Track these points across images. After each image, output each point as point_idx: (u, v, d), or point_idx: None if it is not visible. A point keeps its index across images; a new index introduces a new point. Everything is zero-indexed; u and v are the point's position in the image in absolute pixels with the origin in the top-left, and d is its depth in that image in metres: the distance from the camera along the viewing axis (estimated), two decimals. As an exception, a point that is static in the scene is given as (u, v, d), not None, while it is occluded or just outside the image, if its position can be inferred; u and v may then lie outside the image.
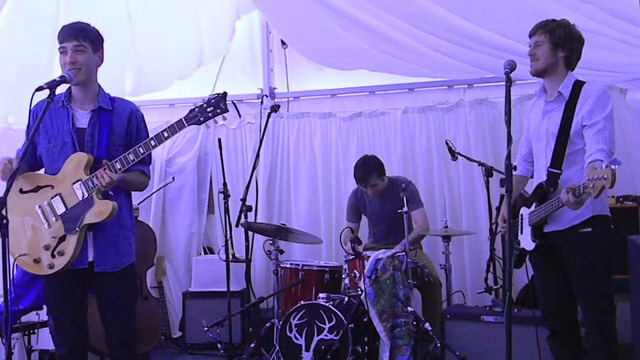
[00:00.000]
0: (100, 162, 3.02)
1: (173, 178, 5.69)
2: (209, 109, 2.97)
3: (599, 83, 3.31)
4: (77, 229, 2.98)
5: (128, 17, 5.27)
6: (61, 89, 3.03)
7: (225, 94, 2.99)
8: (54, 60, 5.28)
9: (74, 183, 3.01)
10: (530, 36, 3.19)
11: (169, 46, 5.46)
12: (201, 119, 2.96)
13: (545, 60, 3.12)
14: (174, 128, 2.95)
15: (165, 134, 2.96)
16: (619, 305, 3.76)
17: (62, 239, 3.00)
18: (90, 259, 3.05)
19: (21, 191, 3.05)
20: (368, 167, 4.77)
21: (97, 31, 3.16)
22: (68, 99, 3.10)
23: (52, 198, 3.03)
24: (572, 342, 3.21)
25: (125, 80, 5.55)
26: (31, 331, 4.55)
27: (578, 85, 3.10)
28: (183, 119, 2.96)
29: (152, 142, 2.97)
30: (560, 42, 3.10)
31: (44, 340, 4.83)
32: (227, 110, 3.00)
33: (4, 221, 2.52)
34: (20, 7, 5.12)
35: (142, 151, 2.97)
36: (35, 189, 3.05)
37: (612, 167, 2.58)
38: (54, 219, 3.02)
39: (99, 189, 2.98)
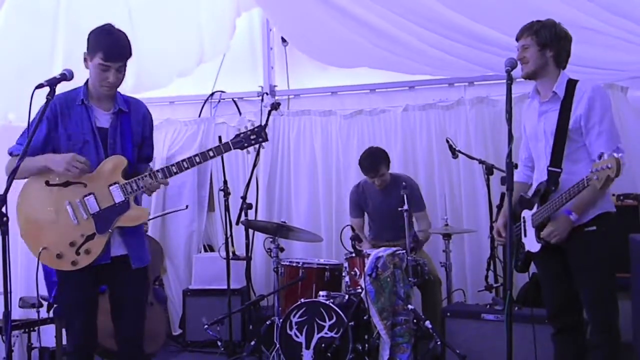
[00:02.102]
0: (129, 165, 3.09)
1: (187, 206, 5.61)
2: (252, 137, 3.16)
3: (594, 80, 3.30)
4: (110, 230, 3.02)
5: (128, 14, 5.26)
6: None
7: (266, 125, 3.34)
8: (54, 57, 5.28)
9: (110, 185, 3.04)
10: (517, 40, 3.18)
11: (169, 44, 5.45)
12: (245, 144, 3.16)
13: (535, 62, 3.11)
14: (220, 149, 3.12)
15: (211, 153, 3.11)
16: (620, 303, 3.77)
17: (90, 237, 3.01)
18: (115, 254, 3.08)
19: (48, 183, 3.01)
20: (377, 157, 4.82)
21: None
22: (87, 97, 3.10)
23: (86, 197, 3.03)
24: (576, 340, 3.20)
25: (125, 77, 5.54)
26: (31, 329, 4.54)
27: (572, 83, 3.09)
28: (230, 142, 3.14)
29: (197, 159, 3.10)
30: (547, 42, 3.08)
31: (45, 337, 4.83)
32: (267, 140, 3.23)
33: (4, 219, 2.52)
34: (21, 4, 5.11)
35: (185, 165, 3.09)
36: (65, 184, 3.02)
37: (616, 155, 2.57)
38: (85, 217, 3.02)
39: (136, 194, 3.07)
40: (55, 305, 4.47)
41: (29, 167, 2.98)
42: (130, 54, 3.07)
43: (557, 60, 3.12)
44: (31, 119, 2.77)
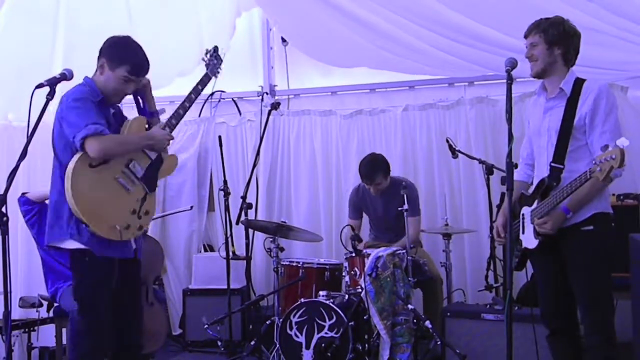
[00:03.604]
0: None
1: (191, 207, 5.63)
2: (215, 61, 3.75)
3: (600, 80, 3.30)
4: (157, 185, 3.27)
5: (128, 14, 5.26)
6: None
7: (215, 47, 3.83)
8: (53, 57, 5.28)
9: None
10: (525, 37, 3.17)
11: (169, 44, 5.45)
12: (216, 70, 3.75)
13: (544, 60, 3.10)
14: (204, 81, 3.63)
15: (200, 87, 3.57)
16: (619, 303, 3.76)
17: (144, 199, 3.18)
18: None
19: (91, 166, 3.02)
20: (375, 166, 4.76)
21: None
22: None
23: (129, 164, 3.14)
24: (571, 341, 3.20)
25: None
26: (31, 328, 4.55)
27: (579, 82, 3.09)
28: (208, 72, 3.71)
29: (192, 95, 3.47)
30: (555, 40, 3.08)
31: (44, 337, 4.84)
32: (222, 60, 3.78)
33: (4, 219, 2.53)
34: (21, 4, 5.11)
35: (187, 105, 3.43)
36: (106, 160, 3.06)
37: (620, 146, 2.56)
38: (134, 183, 3.15)
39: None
40: (55, 305, 4.47)
41: (126, 150, 3.13)
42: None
43: (565, 58, 3.11)
44: (31, 118, 2.76)
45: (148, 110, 3.35)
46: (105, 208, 3.03)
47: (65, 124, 3.01)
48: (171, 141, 3.33)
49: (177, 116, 3.36)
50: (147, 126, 3.30)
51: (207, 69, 3.72)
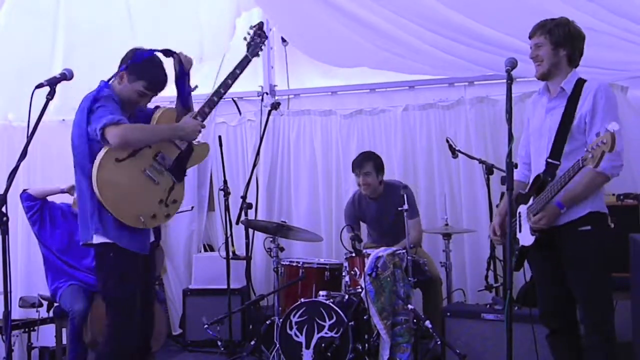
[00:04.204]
0: None
1: (192, 207, 5.62)
2: (257, 40, 3.59)
3: (600, 80, 3.30)
4: (185, 175, 3.26)
5: (128, 14, 5.26)
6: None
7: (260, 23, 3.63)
8: (54, 57, 5.28)
9: None
10: (530, 38, 3.17)
11: (169, 44, 5.43)
12: (257, 50, 3.58)
13: (549, 61, 3.10)
14: (243, 64, 3.50)
15: (238, 71, 3.46)
16: (619, 303, 3.76)
17: (172, 188, 3.20)
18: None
19: (117, 160, 3.02)
20: (367, 156, 4.84)
21: None
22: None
23: (156, 156, 3.15)
24: (571, 341, 3.20)
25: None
26: (31, 328, 4.55)
27: (580, 82, 3.09)
28: (247, 54, 3.54)
29: (229, 81, 3.39)
30: (561, 41, 3.08)
31: (44, 337, 4.84)
32: (266, 36, 3.60)
33: (4, 218, 2.53)
34: (21, 4, 5.12)
35: (222, 91, 3.36)
36: (133, 154, 3.07)
37: (611, 130, 2.56)
38: (162, 174, 3.17)
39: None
40: (55, 305, 4.48)
41: (148, 138, 3.11)
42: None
43: (570, 60, 3.12)
44: (31, 118, 2.76)
45: (188, 90, 3.34)
46: (131, 199, 3.06)
47: (88, 114, 3.02)
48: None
49: (211, 103, 3.30)
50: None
51: (247, 50, 3.54)
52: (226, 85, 3.36)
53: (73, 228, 4.48)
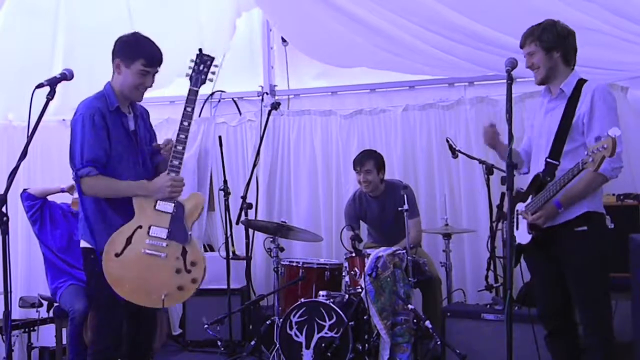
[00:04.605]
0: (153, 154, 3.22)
1: None
2: (202, 68, 3.28)
3: (598, 80, 3.30)
4: (189, 233, 3.11)
5: (128, 14, 5.26)
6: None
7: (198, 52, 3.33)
8: (54, 57, 5.28)
9: (155, 206, 3.09)
10: (521, 47, 3.16)
11: (169, 44, 5.40)
12: (203, 77, 3.27)
13: (545, 66, 3.11)
14: (190, 99, 3.19)
15: (189, 108, 3.17)
16: (619, 304, 3.76)
17: (184, 252, 3.08)
18: None
19: (117, 255, 3.03)
20: (368, 154, 4.86)
21: None
22: (118, 102, 3.16)
23: (149, 232, 3.07)
24: (569, 341, 3.20)
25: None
26: (31, 328, 4.56)
27: (580, 83, 3.10)
28: (191, 87, 3.22)
29: (185, 123, 3.14)
30: (552, 44, 3.08)
31: (44, 337, 4.84)
32: (213, 58, 3.29)
33: (4, 218, 2.53)
34: (21, 4, 5.12)
35: (183, 137, 3.12)
36: (128, 241, 3.05)
37: (612, 135, 2.57)
38: (164, 245, 3.07)
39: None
40: (55, 305, 4.48)
41: (115, 193, 3.07)
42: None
43: (565, 60, 3.12)
44: (31, 118, 2.76)
45: (160, 159, 3.31)
46: (146, 284, 3.05)
47: (72, 142, 3.07)
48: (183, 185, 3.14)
49: (177, 154, 3.12)
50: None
51: (190, 84, 3.27)
52: (184, 129, 3.14)
53: (73, 228, 4.49)
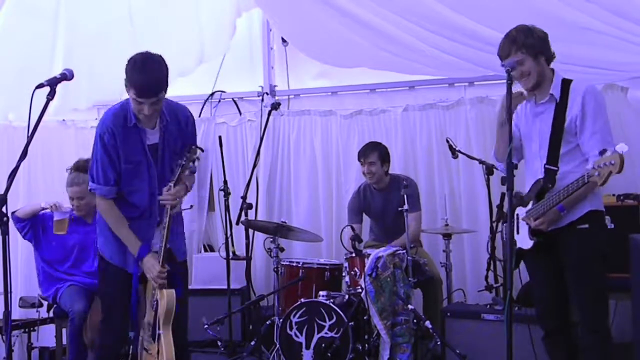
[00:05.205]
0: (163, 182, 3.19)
1: (191, 206, 5.59)
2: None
3: (590, 80, 3.30)
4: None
5: (129, 14, 5.26)
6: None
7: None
8: (54, 57, 5.29)
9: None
10: (505, 58, 3.10)
11: (169, 44, 5.45)
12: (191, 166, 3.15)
13: (535, 72, 3.09)
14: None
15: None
16: (619, 304, 3.76)
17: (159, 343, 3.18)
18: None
19: None
20: (373, 146, 4.89)
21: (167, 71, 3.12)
22: (137, 119, 3.14)
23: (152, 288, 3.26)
24: (566, 342, 3.21)
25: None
26: (31, 328, 4.55)
27: (566, 83, 3.10)
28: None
29: (165, 219, 3.15)
30: (538, 49, 3.08)
31: (44, 337, 4.84)
32: (199, 150, 3.12)
33: (4, 218, 2.54)
34: (21, 4, 5.12)
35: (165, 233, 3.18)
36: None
37: (620, 151, 2.57)
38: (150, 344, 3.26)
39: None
40: (55, 305, 4.48)
41: (117, 232, 3.24)
42: (163, 87, 3.07)
43: (548, 62, 3.14)
44: (31, 119, 2.75)
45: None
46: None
47: (91, 155, 3.24)
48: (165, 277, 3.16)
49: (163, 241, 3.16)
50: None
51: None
52: (162, 223, 3.18)
53: (66, 235, 4.49)
